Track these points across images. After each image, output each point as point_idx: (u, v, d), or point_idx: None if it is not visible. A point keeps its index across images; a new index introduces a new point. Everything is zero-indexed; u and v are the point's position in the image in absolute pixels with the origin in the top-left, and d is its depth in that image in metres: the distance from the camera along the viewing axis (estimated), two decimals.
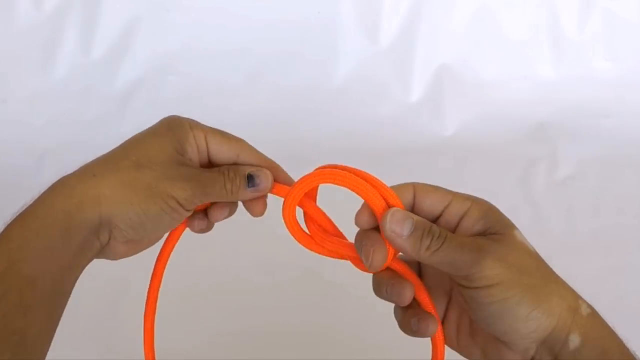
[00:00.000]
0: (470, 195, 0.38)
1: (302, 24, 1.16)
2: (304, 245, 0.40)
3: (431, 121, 1.11)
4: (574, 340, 0.35)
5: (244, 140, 0.43)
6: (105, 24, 1.13)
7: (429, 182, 0.39)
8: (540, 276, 0.36)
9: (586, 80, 1.16)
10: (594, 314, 0.36)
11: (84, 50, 1.13)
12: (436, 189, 0.38)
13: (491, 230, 0.36)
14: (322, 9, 1.16)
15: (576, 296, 0.36)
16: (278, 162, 0.43)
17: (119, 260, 0.87)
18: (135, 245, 0.43)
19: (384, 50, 1.17)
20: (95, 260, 0.41)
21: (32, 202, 0.41)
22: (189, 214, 0.40)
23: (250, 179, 0.40)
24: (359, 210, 0.38)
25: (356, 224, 0.38)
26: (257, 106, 1.12)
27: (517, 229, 0.37)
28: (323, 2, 1.16)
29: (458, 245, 0.35)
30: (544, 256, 0.36)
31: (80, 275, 0.39)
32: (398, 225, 0.35)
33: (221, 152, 0.42)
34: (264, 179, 0.40)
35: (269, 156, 0.43)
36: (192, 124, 0.41)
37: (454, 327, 0.40)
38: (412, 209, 0.38)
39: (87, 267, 0.39)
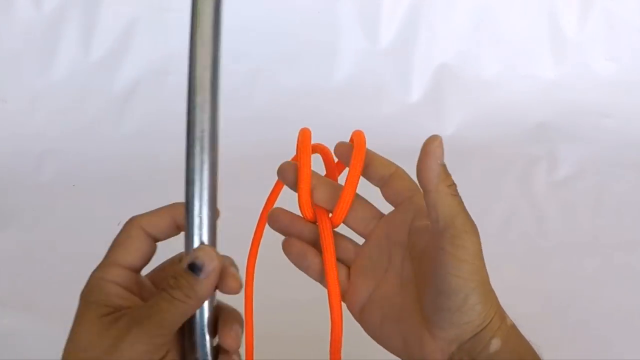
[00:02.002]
0: None
1: (302, 24, 1.16)
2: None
3: (431, 121, 1.11)
4: (495, 344, 0.37)
5: (171, 207, 0.38)
6: (105, 24, 1.13)
7: None
8: (487, 280, 0.38)
9: (586, 80, 1.16)
10: (515, 326, 0.39)
11: (84, 50, 1.13)
12: (408, 181, 0.42)
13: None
14: (322, 9, 1.16)
15: (502, 309, 0.39)
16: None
17: None
18: None
19: (384, 50, 1.17)
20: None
21: None
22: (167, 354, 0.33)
23: (193, 269, 0.32)
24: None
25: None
26: (257, 106, 1.12)
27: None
28: (323, 2, 1.16)
29: (463, 205, 0.37)
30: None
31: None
32: (439, 149, 0.37)
33: (159, 233, 0.37)
34: (204, 255, 0.33)
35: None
36: (103, 272, 0.35)
37: (378, 313, 0.41)
38: (384, 186, 0.42)
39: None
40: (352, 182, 0.41)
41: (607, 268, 0.81)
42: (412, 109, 1.13)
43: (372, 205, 0.44)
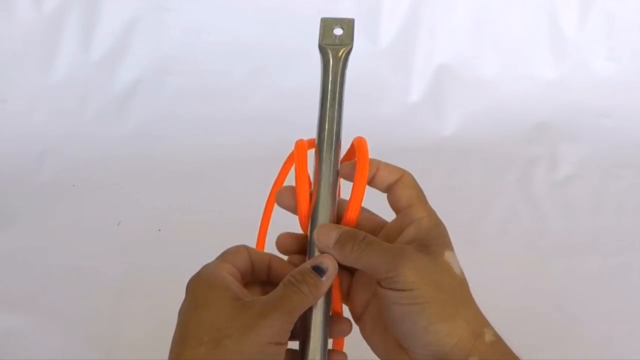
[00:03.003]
0: (430, 208, 0.41)
1: (301, 24, 1.16)
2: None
3: (431, 121, 1.11)
4: None
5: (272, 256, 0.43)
6: (105, 24, 1.13)
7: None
8: (453, 297, 0.38)
9: (586, 80, 1.16)
10: (498, 342, 0.39)
11: (84, 50, 1.13)
12: (410, 189, 0.42)
13: (426, 243, 0.39)
14: (321, 8, 1.16)
15: (483, 324, 0.39)
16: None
17: (119, 261, 0.87)
18: None
19: (384, 50, 1.17)
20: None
21: None
22: (287, 345, 0.38)
23: (318, 271, 0.39)
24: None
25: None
26: (257, 106, 1.12)
27: (451, 251, 0.40)
28: (323, 2, 1.16)
29: (379, 251, 0.38)
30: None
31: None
32: (324, 237, 0.40)
33: (257, 261, 0.42)
34: (328, 261, 0.39)
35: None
36: (218, 267, 0.40)
37: (371, 322, 0.42)
38: (387, 187, 0.42)
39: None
40: (354, 205, 0.41)
41: (607, 268, 0.81)
42: (412, 109, 1.13)
43: (375, 215, 0.44)
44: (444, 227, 0.41)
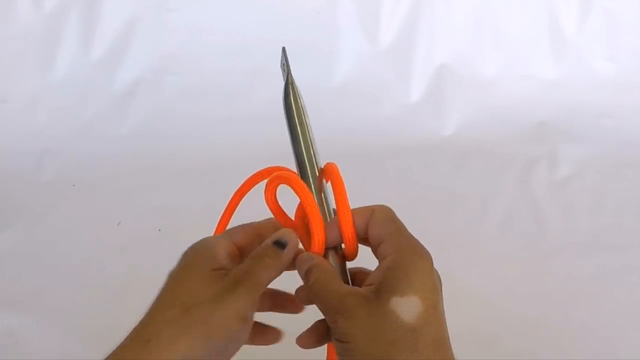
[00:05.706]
0: (401, 242, 0.39)
1: (302, 24, 1.16)
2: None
3: (431, 121, 1.11)
4: None
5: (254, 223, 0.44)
6: (105, 24, 1.13)
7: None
8: (388, 352, 0.35)
9: (586, 80, 1.16)
10: None
11: (84, 50, 1.13)
12: (386, 222, 0.40)
13: (379, 288, 0.37)
14: (322, 9, 1.16)
15: None
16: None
17: (119, 261, 0.87)
18: None
19: (384, 50, 1.17)
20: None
21: None
22: (251, 324, 0.39)
23: (279, 245, 0.40)
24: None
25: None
26: (257, 106, 1.12)
27: (402, 295, 0.36)
28: (323, 2, 1.16)
29: (326, 298, 0.38)
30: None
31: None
32: (299, 266, 0.40)
33: (246, 243, 0.43)
34: (289, 236, 0.40)
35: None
36: (215, 239, 0.42)
37: None
38: (365, 230, 0.41)
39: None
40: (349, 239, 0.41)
41: (607, 268, 0.81)
42: (412, 109, 1.13)
43: None
44: (414, 261, 0.38)
